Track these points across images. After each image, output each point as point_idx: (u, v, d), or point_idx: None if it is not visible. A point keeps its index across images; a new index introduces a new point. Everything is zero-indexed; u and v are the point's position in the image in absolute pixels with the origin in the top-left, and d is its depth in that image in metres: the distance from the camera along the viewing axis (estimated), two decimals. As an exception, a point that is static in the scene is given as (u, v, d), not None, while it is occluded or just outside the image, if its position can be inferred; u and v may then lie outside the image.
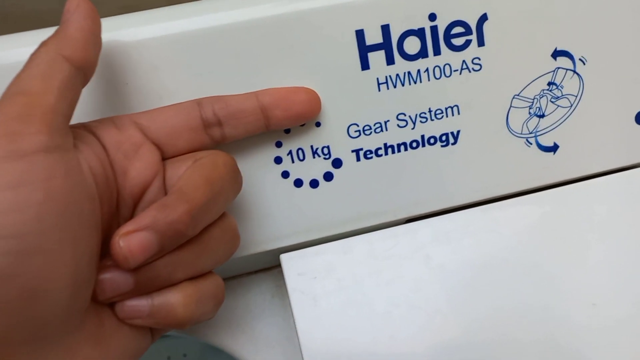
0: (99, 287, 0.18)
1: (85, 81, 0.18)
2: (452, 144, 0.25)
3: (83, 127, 0.19)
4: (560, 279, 0.24)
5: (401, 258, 0.24)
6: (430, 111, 0.24)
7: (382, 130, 0.24)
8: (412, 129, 0.24)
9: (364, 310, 0.23)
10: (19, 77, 0.17)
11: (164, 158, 0.21)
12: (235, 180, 0.21)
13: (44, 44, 0.18)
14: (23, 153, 0.16)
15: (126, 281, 0.18)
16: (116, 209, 0.19)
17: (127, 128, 0.20)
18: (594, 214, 0.25)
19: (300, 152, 0.24)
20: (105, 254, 0.18)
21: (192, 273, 0.19)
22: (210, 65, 0.22)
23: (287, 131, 0.23)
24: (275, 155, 0.23)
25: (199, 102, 0.21)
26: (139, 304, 0.19)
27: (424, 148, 0.24)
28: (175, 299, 0.19)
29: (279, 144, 0.23)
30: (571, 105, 0.25)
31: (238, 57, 0.22)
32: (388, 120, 0.24)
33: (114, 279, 0.18)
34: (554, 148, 0.25)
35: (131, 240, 0.17)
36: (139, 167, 0.20)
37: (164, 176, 0.20)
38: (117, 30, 0.21)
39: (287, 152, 0.23)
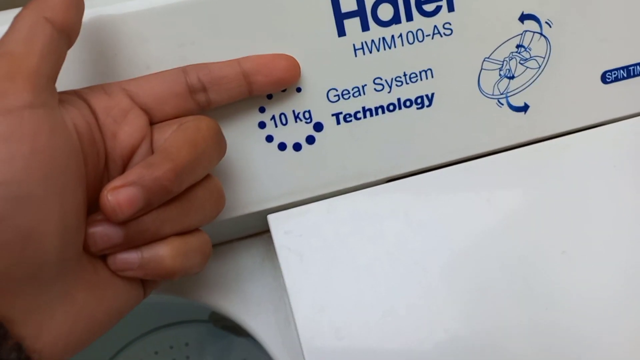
0: (91, 240, 0.19)
1: (69, 43, 0.19)
2: (427, 106, 0.26)
3: (74, 92, 0.21)
4: (533, 228, 0.25)
5: (382, 216, 0.26)
6: (405, 75, 0.25)
7: (360, 95, 0.25)
8: (389, 92, 0.25)
9: (347, 265, 0.24)
10: (2, 40, 0.18)
11: (152, 123, 0.22)
12: (218, 143, 0.22)
13: (26, 7, 0.19)
14: (10, 109, 0.17)
15: (116, 234, 0.19)
16: (104, 167, 0.21)
17: (117, 94, 0.21)
18: (563, 169, 0.27)
19: (282, 116, 0.25)
20: (96, 209, 0.20)
21: (179, 229, 0.21)
22: (193, 36, 0.23)
23: (270, 97, 0.24)
24: (259, 120, 0.25)
25: (184, 70, 0.22)
26: (130, 257, 0.20)
27: (400, 111, 0.26)
28: (163, 252, 0.20)
29: (262, 110, 0.25)
30: (539, 67, 0.26)
31: (220, 28, 0.23)
32: (365, 85, 0.25)
33: (104, 231, 0.19)
34: (524, 108, 0.27)
35: (119, 194, 0.18)
36: (127, 130, 0.21)
37: (152, 139, 0.22)
38: (106, 5, 0.22)
39: (270, 117, 0.25)
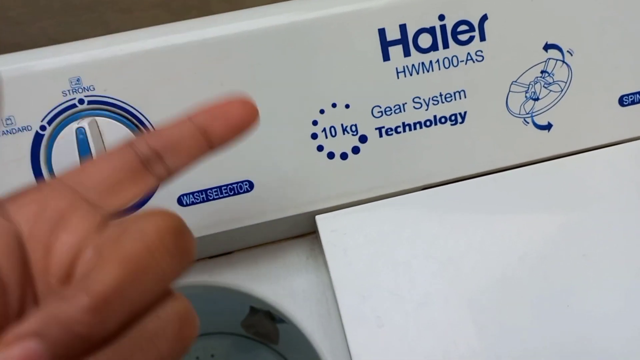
0: None
1: None
2: (460, 122, 0.29)
3: None
4: (554, 232, 0.28)
5: (418, 219, 0.29)
6: (441, 95, 0.29)
7: (400, 111, 0.29)
8: (426, 110, 0.29)
9: (387, 260, 0.27)
10: None
11: (108, 216, 0.17)
12: (175, 249, 0.16)
13: None
14: None
15: None
16: (20, 301, 0.15)
17: (53, 192, 0.17)
18: (584, 182, 0.29)
19: (332, 129, 0.28)
20: None
21: None
22: (259, 59, 0.27)
23: (322, 111, 0.28)
24: (311, 132, 0.28)
25: (130, 143, 0.18)
26: None
27: (436, 126, 0.29)
28: None
29: (315, 123, 0.28)
30: (562, 90, 0.30)
31: (280, 58, 0.27)
32: (405, 103, 0.29)
33: None
34: (548, 126, 0.30)
35: (13, 351, 0.13)
36: (64, 238, 0.16)
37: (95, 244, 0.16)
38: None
39: (322, 129, 0.28)
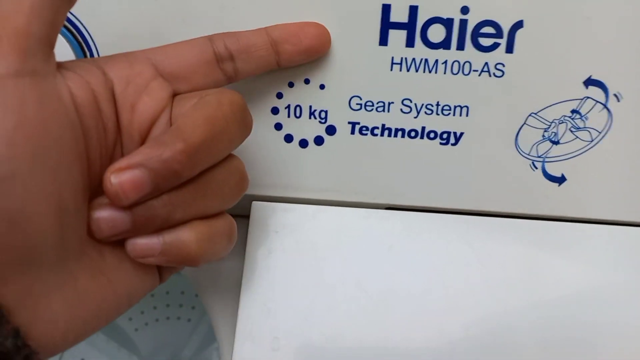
0: (95, 225, 0.18)
1: (69, 1, 0.17)
2: (452, 144, 0.24)
3: (91, 61, 0.19)
4: (510, 311, 0.22)
5: (365, 240, 0.24)
6: (438, 105, 0.23)
7: (383, 110, 0.24)
8: (415, 117, 0.24)
9: (311, 276, 0.23)
10: None
11: (177, 94, 0.20)
12: (242, 120, 0.20)
13: None
14: None
15: (123, 220, 0.18)
16: (115, 143, 0.19)
17: (140, 63, 0.20)
18: (580, 260, 0.23)
19: (298, 108, 0.24)
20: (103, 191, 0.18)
21: (193, 214, 0.19)
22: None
23: (291, 85, 0.23)
24: (273, 105, 0.24)
25: (210, 38, 0.21)
26: (151, 242, 0.18)
27: (421, 140, 0.24)
28: (187, 237, 0.18)
29: (279, 95, 0.24)
30: (592, 140, 0.23)
31: None
32: (392, 102, 0.23)
33: (110, 217, 0.18)
34: (560, 179, 0.24)
35: (123, 177, 0.17)
36: (147, 101, 0.19)
37: (171, 113, 0.20)
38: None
39: (286, 105, 0.24)
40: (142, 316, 0.46)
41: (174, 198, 0.18)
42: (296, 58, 0.22)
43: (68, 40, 0.23)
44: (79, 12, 0.23)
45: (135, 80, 0.19)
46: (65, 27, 0.23)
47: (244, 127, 0.20)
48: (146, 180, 0.17)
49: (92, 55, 0.23)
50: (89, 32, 0.23)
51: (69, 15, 0.23)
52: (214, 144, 0.19)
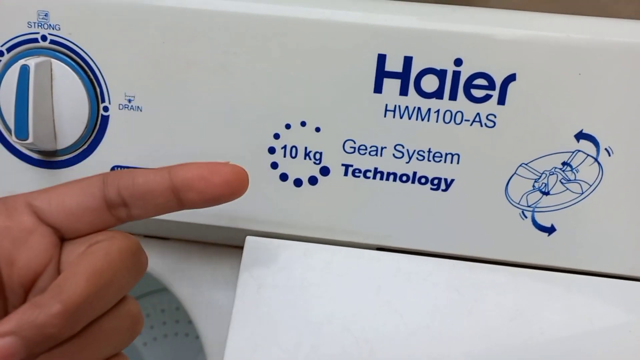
0: None
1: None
2: (443, 190, 0.24)
3: None
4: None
5: (354, 280, 0.24)
6: (429, 152, 0.24)
7: (376, 155, 0.24)
8: (407, 162, 0.24)
9: (300, 315, 0.24)
10: None
11: (65, 239, 0.20)
12: (133, 266, 0.19)
13: None
14: None
15: None
16: None
17: (19, 212, 0.19)
18: (568, 310, 0.24)
19: (294, 149, 0.25)
20: None
21: None
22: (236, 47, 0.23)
23: (288, 126, 0.24)
24: (270, 145, 0.25)
25: (104, 179, 0.20)
26: None
27: (412, 185, 0.24)
28: None
29: (276, 136, 0.24)
30: (582, 193, 0.24)
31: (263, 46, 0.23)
32: (385, 147, 0.24)
33: None
34: (549, 230, 0.24)
35: None
36: (28, 255, 0.18)
37: (59, 260, 0.19)
38: None
39: (282, 145, 0.25)
40: (152, 331, 0.47)
41: (55, 357, 0.17)
42: (201, 204, 0.20)
43: (80, 77, 0.25)
44: (91, 50, 0.24)
45: (12, 233, 0.18)
46: (78, 64, 0.24)
47: (136, 271, 0.19)
48: (18, 349, 0.16)
49: (102, 93, 0.25)
50: (101, 71, 0.24)
51: (80, 52, 0.24)
52: (100, 297, 0.18)
